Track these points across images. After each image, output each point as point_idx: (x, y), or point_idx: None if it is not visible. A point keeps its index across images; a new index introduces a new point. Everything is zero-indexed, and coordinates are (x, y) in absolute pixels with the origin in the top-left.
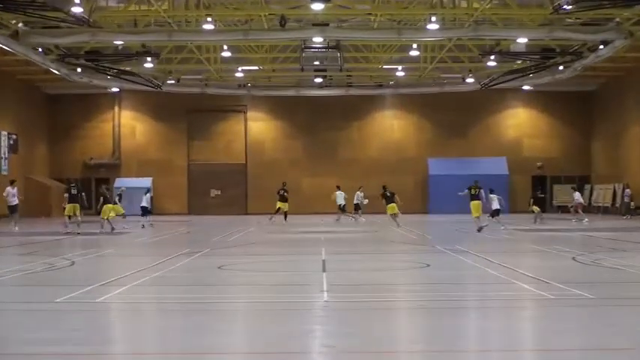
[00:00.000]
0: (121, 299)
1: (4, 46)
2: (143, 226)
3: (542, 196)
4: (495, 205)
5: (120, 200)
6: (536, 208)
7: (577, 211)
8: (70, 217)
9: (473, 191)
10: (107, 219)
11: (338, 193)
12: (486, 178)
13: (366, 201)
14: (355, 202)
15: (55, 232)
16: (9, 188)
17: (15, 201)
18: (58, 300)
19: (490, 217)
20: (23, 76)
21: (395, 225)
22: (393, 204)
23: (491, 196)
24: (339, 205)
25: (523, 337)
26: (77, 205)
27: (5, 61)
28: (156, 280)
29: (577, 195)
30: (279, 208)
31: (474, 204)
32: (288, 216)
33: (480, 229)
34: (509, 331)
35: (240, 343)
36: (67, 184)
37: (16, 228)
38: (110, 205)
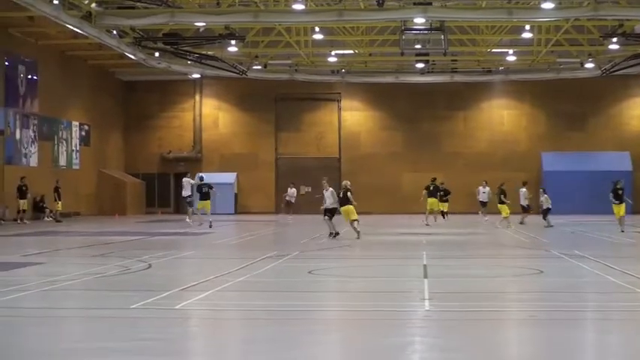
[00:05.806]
0: (201, 306)
1: (76, 29)
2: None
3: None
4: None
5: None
6: (505, 210)
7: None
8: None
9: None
10: None
11: (523, 190)
12: (607, 175)
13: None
14: (483, 199)
15: (129, 232)
16: None
17: None
18: (133, 306)
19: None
20: (96, 62)
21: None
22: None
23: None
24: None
25: None
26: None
27: (77, 45)
28: (240, 285)
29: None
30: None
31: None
32: (388, 216)
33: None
34: (631, 345)
35: (331, 356)
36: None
37: None
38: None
